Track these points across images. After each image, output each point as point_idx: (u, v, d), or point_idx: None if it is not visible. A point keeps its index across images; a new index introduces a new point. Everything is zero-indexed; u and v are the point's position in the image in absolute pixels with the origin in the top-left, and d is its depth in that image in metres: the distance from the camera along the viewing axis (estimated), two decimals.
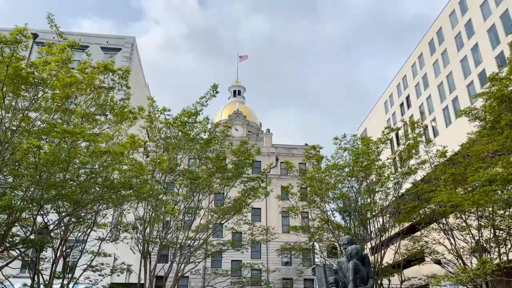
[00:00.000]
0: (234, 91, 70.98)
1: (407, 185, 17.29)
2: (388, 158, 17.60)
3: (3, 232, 10.15)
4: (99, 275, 13.84)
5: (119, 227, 15.68)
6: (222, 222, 15.71)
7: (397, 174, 17.10)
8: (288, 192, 16.95)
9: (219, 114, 62.58)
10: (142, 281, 13.54)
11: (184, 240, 14.78)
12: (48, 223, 12.75)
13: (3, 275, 12.02)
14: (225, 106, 66.34)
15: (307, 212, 18.63)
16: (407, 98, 42.94)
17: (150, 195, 12.43)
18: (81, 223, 12.49)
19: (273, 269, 23.15)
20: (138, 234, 14.27)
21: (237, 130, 54.12)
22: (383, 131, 17.02)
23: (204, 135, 15.13)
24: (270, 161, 45.02)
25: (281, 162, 50.17)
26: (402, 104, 43.95)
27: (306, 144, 49.14)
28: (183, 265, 14.50)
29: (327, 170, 16.96)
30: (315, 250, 18.87)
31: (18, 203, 8.76)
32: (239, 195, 15.60)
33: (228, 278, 15.59)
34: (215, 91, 13.91)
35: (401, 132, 21.31)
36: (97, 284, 14.00)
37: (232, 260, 42.20)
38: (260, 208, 49.06)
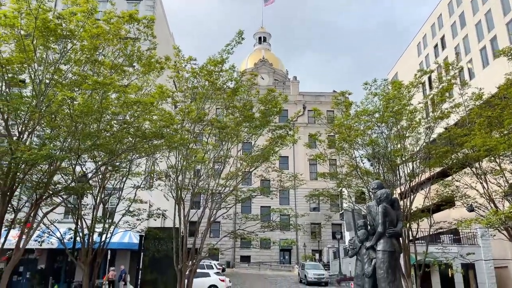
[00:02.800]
0: (259, 38, 69.24)
1: (439, 129, 16.88)
2: (419, 103, 17.09)
3: (45, 180, 10.78)
4: (137, 219, 14.66)
5: (152, 175, 16.28)
6: (251, 170, 15.98)
7: (428, 118, 16.67)
8: (316, 139, 16.90)
9: (245, 63, 61.74)
10: (177, 226, 14.22)
11: (215, 187, 15.23)
12: (86, 172, 13.42)
13: (49, 220, 12.91)
14: (251, 54, 65.17)
15: (335, 159, 18.63)
16: (442, 38, 40.70)
17: (180, 144, 12.71)
18: (116, 171, 13.04)
19: (302, 214, 23.75)
20: (171, 182, 14.79)
21: (263, 78, 53.46)
22: (415, 75, 16.39)
23: (231, 84, 15.04)
24: (297, 109, 44.69)
25: (308, 110, 49.79)
26: (436, 46, 41.83)
27: (334, 91, 48.26)
28: (214, 210, 15.06)
29: (356, 116, 16.69)
30: (344, 196, 19.10)
31: (57, 153, 9.17)
32: (267, 143, 15.69)
33: (257, 222, 16.12)
34: (240, 38, 13.61)
35: (434, 75, 20.48)
36: (135, 227, 14.87)
37: (261, 206, 43.61)
38: (287, 157, 49.66)
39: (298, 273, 37.15)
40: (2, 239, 10.16)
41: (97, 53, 10.63)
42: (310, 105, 47.81)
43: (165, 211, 16.44)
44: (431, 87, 23.20)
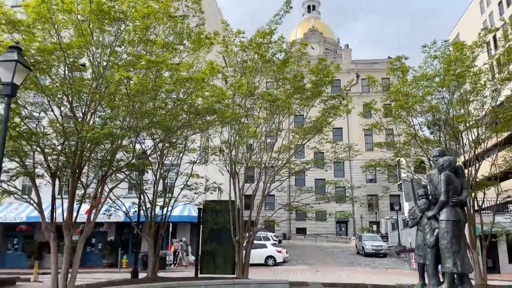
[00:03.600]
0: (308, 7, 67.17)
1: (506, 92, 15.58)
2: (484, 64, 15.80)
3: (109, 158, 11.45)
4: (195, 193, 15.25)
5: (207, 151, 16.69)
6: (304, 142, 15.83)
7: (495, 80, 15.40)
8: (371, 108, 16.27)
9: (294, 33, 60.39)
10: (233, 199, 14.58)
11: (268, 161, 15.32)
12: (145, 149, 14.07)
13: (115, 196, 13.77)
14: (300, 24, 63.55)
15: (392, 128, 17.89)
16: None
17: (232, 119, 12.84)
18: (173, 148, 13.53)
19: (358, 185, 23.32)
20: (225, 157, 15.08)
21: (313, 48, 52.12)
22: (479, 33, 15.09)
23: (280, 55, 14.80)
24: (350, 78, 43.31)
25: (362, 79, 48.08)
26: (500, 2, 38.23)
27: (389, 57, 45.96)
28: (268, 184, 15.20)
29: (414, 82, 15.81)
30: (402, 166, 18.41)
31: (118, 131, 9.64)
32: (319, 114, 15.40)
33: (312, 195, 16.06)
34: (288, 7, 13.26)
35: (499, 34, 18.75)
36: (194, 201, 15.49)
37: (315, 179, 43.49)
38: (341, 128, 48.68)
39: (355, 244, 36.95)
40: (75, 214, 11.00)
41: (149, 32, 10.87)
42: (364, 74, 46.10)
43: (220, 184, 16.89)
44: (496, 47, 21.33)
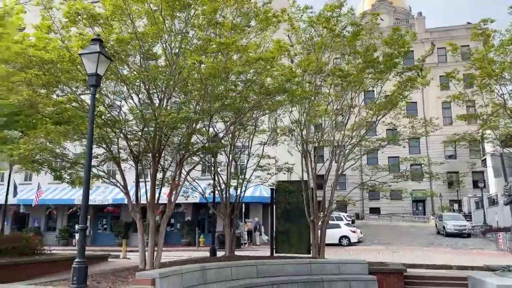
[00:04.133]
0: None
1: None
2: None
3: (185, 141, 11.89)
4: (268, 173, 15.38)
5: (276, 131, 16.63)
6: (378, 118, 15.11)
7: None
8: (453, 78, 14.99)
9: (361, 6, 57.64)
10: (305, 179, 14.45)
11: (340, 140, 14.90)
12: (217, 132, 14.39)
13: (191, 177, 14.32)
14: None
15: (474, 100, 16.42)
16: None
17: (303, 98, 12.60)
18: (244, 129, 13.66)
19: (436, 162, 21.92)
20: (296, 136, 14.95)
21: (382, 20, 49.42)
22: None
23: (350, 28, 14.13)
24: (425, 48, 40.51)
25: (438, 48, 44.64)
26: None
27: (468, 23, 42.11)
28: (341, 163, 14.83)
29: (502, 46, 14.29)
30: (488, 139, 16.88)
31: (193, 115, 9.90)
32: (394, 88, 14.55)
33: (387, 174, 15.38)
34: None
35: None
36: (266, 181, 15.64)
37: (388, 157, 41.68)
38: (415, 102, 45.92)
39: (435, 224, 35.12)
40: (157, 195, 11.62)
41: (217, 15, 10.92)
42: (439, 43, 42.77)
43: (293, 164, 16.85)
44: None
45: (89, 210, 31.81)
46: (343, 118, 15.41)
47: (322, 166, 15.78)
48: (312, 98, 13.94)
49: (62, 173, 17.72)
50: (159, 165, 11.74)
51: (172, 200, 11.73)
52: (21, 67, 9.80)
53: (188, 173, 12.12)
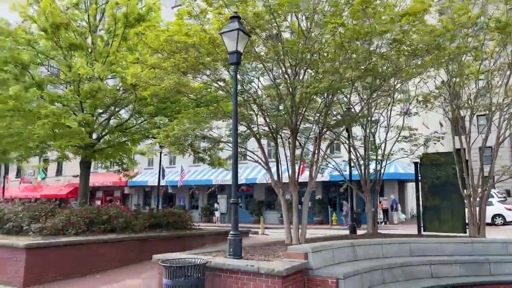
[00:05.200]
0: None
1: None
2: None
3: (322, 116, 11.44)
4: (414, 145, 14.04)
5: (418, 98, 15.03)
6: None
7: None
8: None
9: None
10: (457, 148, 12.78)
11: (502, 103, 12.79)
12: (352, 105, 13.53)
13: (326, 154, 13.81)
14: None
15: None
16: None
17: (456, 55, 10.97)
18: (388, 95, 12.55)
19: None
20: (445, 102, 13.27)
21: None
22: None
23: None
24: None
25: None
26: None
27: None
28: (504, 129, 12.74)
29: None
30: None
31: (335, 83, 9.32)
32: None
33: None
34: None
35: None
36: (412, 154, 14.31)
37: None
38: None
39: None
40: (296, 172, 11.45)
41: None
42: None
43: (444, 133, 15.09)
44: None
45: (225, 189, 34.00)
46: (502, 78, 13.12)
47: (479, 135, 13.82)
48: (467, 55, 12.07)
49: (203, 155, 19.01)
50: (296, 141, 11.53)
51: (313, 175, 11.44)
52: (168, 53, 10.42)
53: (327, 147, 11.69)
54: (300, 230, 11.12)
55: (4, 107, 13.46)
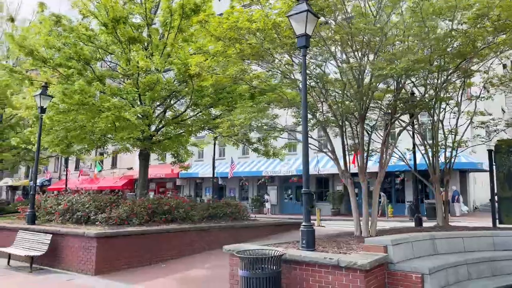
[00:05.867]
0: None
1: None
2: None
3: (391, 103, 10.78)
4: (494, 130, 12.98)
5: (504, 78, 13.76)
6: None
7: None
8: None
9: None
10: None
11: None
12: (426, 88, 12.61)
13: (395, 141, 13.06)
14: None
15: None
16: None
17: None
18: (471, 76, 11.55)
19: None
20: None
21: None
22: None
23: None
24: None
25: None
26: None
27: None
28: None
29: None
30: None
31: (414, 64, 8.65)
32: None
33: None
34: None
35: None
36: (490, 140, 13.25)
37: None
38: None
39: None
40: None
41: None
42: None
43: None
44: None
45: (275, 180, 33.74)
46: None
47: None
48: None
49: (257, 146, 18.76)
50: (364, 129, 10.95)
51: (384, 164, 10.84)
52: (230, 41, 10.17)
53: (398, 135, 11.01)
54: (370, 222, 10.58)
55: (70, 101, 13.86)
